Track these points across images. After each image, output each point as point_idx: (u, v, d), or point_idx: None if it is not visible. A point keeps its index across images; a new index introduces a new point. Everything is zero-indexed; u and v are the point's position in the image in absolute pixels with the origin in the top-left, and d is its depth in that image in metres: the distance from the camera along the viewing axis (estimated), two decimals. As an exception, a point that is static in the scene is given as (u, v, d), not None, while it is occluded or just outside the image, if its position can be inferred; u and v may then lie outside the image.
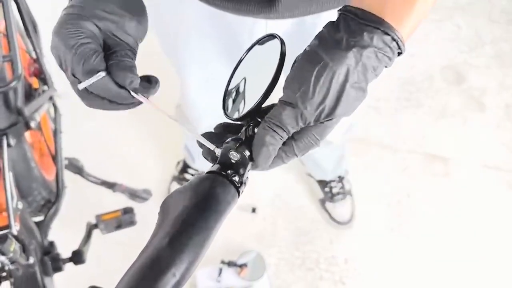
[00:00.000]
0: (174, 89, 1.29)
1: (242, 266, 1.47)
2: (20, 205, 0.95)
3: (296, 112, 0.43)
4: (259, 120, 0.47)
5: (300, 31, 0.84)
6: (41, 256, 1.04)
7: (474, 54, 2.08)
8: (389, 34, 0.43)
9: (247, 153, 0.46)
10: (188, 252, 0.39)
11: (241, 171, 0.46)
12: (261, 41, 0.51)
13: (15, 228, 0.87)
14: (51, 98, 1.28)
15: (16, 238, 0.88)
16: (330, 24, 0.45)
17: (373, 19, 0.43)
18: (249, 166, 0.47)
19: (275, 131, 0.44)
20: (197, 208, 0.41)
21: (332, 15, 0.75)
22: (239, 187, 0.46)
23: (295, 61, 0.46)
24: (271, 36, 0.49)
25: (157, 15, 0.94)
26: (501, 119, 1.88)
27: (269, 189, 1.68)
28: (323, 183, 1.61)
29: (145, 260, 0.38)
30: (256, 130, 0.46)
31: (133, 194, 1.52)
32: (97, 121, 1.86)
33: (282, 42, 0.47)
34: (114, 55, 0.47)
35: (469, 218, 1.62)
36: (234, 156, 0.46)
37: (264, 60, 0.51)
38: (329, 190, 1.60)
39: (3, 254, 0.83)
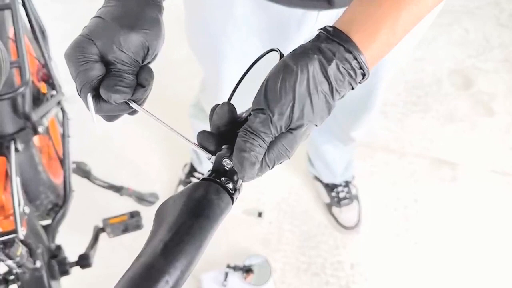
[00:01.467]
0: (187, 89, 1.27)
1: (248, 271, 1.47)
2: (27, 210, 0.96)
3: (266, 117, 0.44)
4: None
5: None
6: (48, 259, 1.05)
7: (482, 58, 2.07)
8: (351, 52, 0.45)
9: None
10: (181, 259, 0.39)
11: (235, 178, 0.47)
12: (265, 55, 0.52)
13: (22, 233, 0.88)
14: (59, 103, 1.29)
15: (23, 242, 0.89)
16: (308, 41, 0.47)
17: (342, 36, 0.45)
18: None
19: (252, 138, 0.44)
20: (191, 215, 0.42)
21: None
22: (233, 193, 0.47)
23: None
24: (274, 51, 0.50)
25: (199, 11, 0.94)
26: (510, 124, 1.86)
27: (275, 194, 1.68)
28: (329, 188, 1.61)
29: (139, 267, 0.39)
30: None
31: (140, 198, 1.53)
32: (105, 125, 1.87)
33: (282, 57, 0.48)
34: (105, 76, 0.49)
35: (477, 224, 1.61)
36: (228, 163, 0.47)
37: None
38: (336, 195, 1.60)
39: (10, 258, 0.84)
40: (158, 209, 0.44)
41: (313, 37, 0.47)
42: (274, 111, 0.44)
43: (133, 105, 0.50)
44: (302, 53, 0.45)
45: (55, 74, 1.25)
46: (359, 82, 0.47)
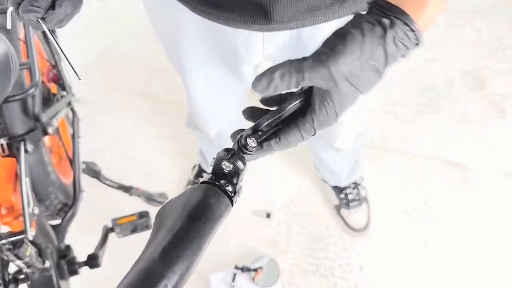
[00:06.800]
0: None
1: (256, 269, 1.47)
2: (36, 210, 0.97)
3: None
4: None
5: (299, 44, 0.83)
6: (57, 259, 1.06)
7: (495, 59, 2.04)
8: (408, 25, 0.47)
9: (239, 163, 0.47)
10: (180, 263, 0.39)
11: (234, 180, 0.47)
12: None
13: (31, 234, 0.89)
14: (69, 103, 1.30)
15: (32, 242, 0.90)
16: (357, 14, 0.49)
17: (396, 10, 0.47)
18: (242, 175, 0.47)
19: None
20: (189, 219, 0.42)
21: (330, 26, 0.74)
22: (232, 196, 0.46)
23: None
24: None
25: (161, 25, 0.96)
26: (523, 125, 1.84)
27: (284, 195, 1.68)
28: (338, 189, 1.60)
29: (137, 272, 0.38)
30: (247, 140, 0.48)
31: (149, 198, 1.54)
32: (115, 125, 1.89)
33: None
34: None
35: (488, 227, 1.59)
36: (227, 166, 0.47)
37: None
38: (345, 197, 1.59)
39: (19, 258, 0.85)
40: (158, 212, 0.44)
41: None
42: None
43: (41, 23, 0.58)
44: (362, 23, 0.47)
45: (65, 75, 1.26)
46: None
